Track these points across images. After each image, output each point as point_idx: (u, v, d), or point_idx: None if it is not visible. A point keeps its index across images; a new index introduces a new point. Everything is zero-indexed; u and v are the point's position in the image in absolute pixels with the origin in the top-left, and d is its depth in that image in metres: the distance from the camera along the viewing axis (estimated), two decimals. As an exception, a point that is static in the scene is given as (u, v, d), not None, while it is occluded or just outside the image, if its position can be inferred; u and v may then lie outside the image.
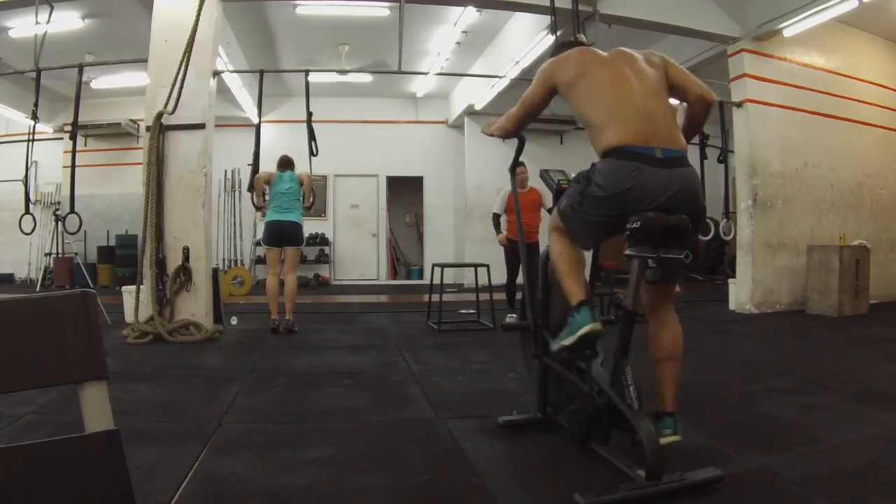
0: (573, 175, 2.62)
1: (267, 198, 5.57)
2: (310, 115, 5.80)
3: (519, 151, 2.84)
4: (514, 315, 5.58)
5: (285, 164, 5.62)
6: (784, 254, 6.95)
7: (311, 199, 5.61)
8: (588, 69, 2.20)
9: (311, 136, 5.76)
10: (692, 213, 2.02)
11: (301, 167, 5.65)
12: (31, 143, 5.66)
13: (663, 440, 1.98)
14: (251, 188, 5.66)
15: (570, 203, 2.21)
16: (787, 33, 6.56)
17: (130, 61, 6.19)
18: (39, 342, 0.82)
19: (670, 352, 2.15)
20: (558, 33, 5.73)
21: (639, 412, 2.00)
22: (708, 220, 6.42)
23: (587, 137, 2.24)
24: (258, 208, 5.78)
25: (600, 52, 2.30)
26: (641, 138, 2.02)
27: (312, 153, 5.77)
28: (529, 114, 2.42)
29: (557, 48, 2.51)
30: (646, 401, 2.06)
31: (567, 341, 2.15)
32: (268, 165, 5.72)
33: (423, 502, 1.98)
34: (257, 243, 10.06)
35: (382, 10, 7.37)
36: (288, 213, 5.39)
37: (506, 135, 2.54)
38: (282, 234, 5.38)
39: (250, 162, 5.76)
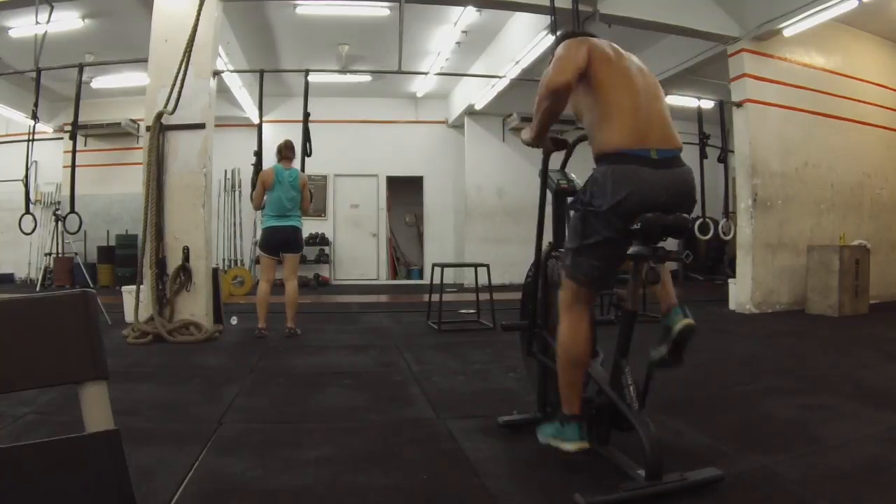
0: (573, 175, 2.62)
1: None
2: (307, 115, 5.78)
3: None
4: None
5: (287, 155, 5.20)
6: (784, 254, 6.95)
7: (311, 203, 5.36)
8: (608, 61, 2.13)
9: (307, 136, 5.70)
10: (687, 211, 2.08)
11: (296, 164, 5.35)
12: (31, 143, 5.66)
13: (680, 324, 2.01)
14: (255, 199, 5.25)
15: (572, 248, 2.14)
16: (787, 33, 6.55)
17: (130, 61, 6.20)
18: (39, 342, 0.82)
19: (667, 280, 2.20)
20: (558, 34, 5.72)
21: (639, 412, 2.00)
22: (707, 219, 6.44)
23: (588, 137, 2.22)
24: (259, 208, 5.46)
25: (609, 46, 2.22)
26: (637, 140, 2.01)
27: (307, 153, 5.67)
28: (557, 96, 2.07)
29: (565, 36, 2.34)
30: (645, 401, 2.06)
31: (554, 445, 2.18)
32: (269, 165, 5.65)
33: (423, 502, 1.98)
34: (256, 243, 9.97)
35: (382, 10, 7.36)
36: (287, 219, 5.10)
37: (538, 135, 2.31)
38: (281, 242, 5.12)
39: (253, 162, 5.74)
